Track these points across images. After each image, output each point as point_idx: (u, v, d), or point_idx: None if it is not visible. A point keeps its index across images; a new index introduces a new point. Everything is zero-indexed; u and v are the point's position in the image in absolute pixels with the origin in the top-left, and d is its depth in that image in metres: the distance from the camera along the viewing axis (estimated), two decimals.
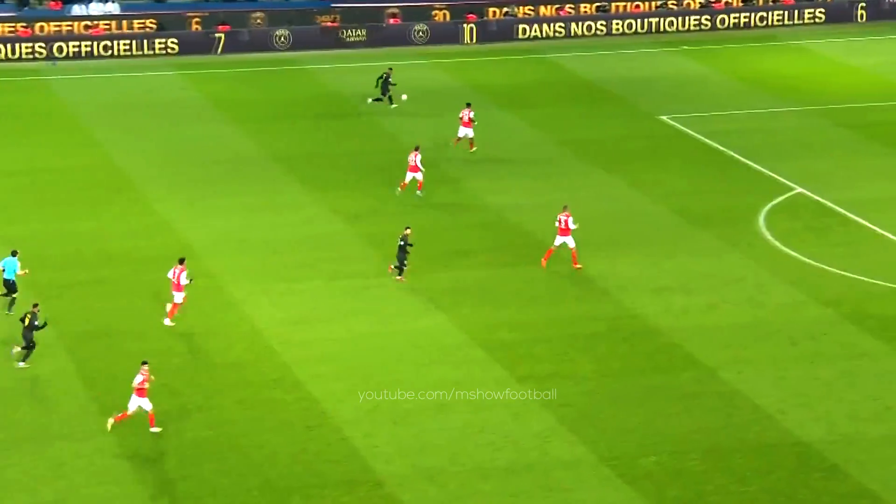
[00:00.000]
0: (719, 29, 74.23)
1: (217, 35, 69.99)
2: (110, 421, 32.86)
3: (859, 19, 75.55)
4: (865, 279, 41.75)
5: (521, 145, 55.86)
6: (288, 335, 38.54)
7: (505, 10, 74.87)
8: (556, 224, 42.58)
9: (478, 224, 47.07)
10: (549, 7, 74.75)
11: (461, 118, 54.12)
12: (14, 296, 38.83)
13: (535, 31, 73.40)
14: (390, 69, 60.87)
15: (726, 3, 75.72)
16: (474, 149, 54.13)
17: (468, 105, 54.78)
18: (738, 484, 31.20)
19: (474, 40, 72.97)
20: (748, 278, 42.07)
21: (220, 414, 34.11)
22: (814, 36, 72.81)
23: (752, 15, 74.69)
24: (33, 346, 35.99)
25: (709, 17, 74.46)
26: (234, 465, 32.06)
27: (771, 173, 51.82)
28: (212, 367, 36.64)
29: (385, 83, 59.91)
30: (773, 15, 74.75)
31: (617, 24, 73.88)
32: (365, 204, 48.96)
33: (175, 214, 47.79)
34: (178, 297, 38.41)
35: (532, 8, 74.69)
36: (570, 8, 74.81)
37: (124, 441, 32.90)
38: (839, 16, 75.51)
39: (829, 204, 48.37)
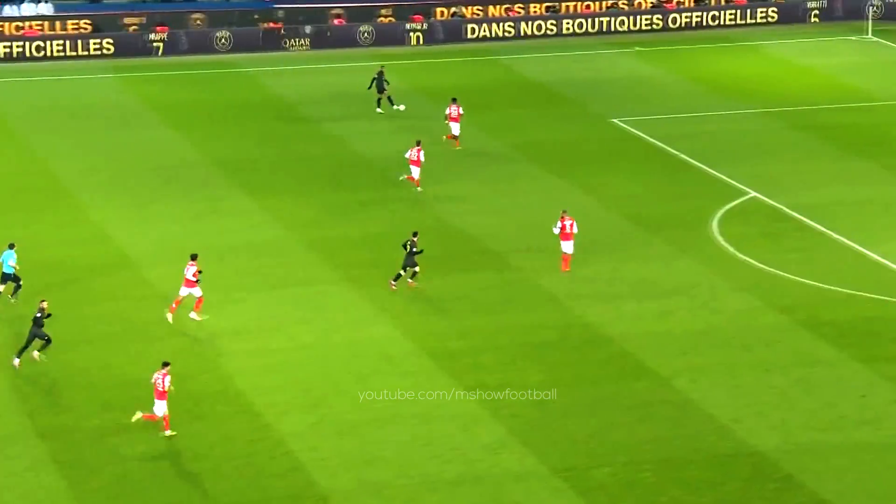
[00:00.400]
0: (671, 29, 74.73)
1: (155, 44, 69.62)
2: (138, 415, 33.28)
3: (812, 20, 76.26)
4: (820, 285, 42.13)
5: (470, 149, 55.92)
6: (230, 345, 38.40)
7: (453, 10, 75.02)
8: (557, 230, 42.77)
9: (426, 229, 47.06)
10: (497, 7, 74.97)
11: (448, 114, 54.93)
12: (15, 284, 40.39)
13: (484, 31, 73.60)
14: (383, 67, 60.79)
15: (678, 2, 76.20)
16: (458, 147, 54.61)
17: (454, 100, 55.39)
18: (692, 495, 31.38)
19: (421, 42, 73.09)
20: (701, 285, 42.35)
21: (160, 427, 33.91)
22: (767, 36, 73.41)
23: (704, 15, 75.22)
24: (43, 339, 36.46)
25: (660, 17, 74.93)
26: (175, 479, 31.89)
27: (724, 177, 52.18)
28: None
29: (380, 82, 59.61)
30: (725, 15, 75.32)
31: (567, 23, 74.22)
32: (310, 210, 48.89)
33: (113, 222, 47.50)
34: (196, 291, 39.15)
35: (481, 8, 74.88)
36: (519, 8, 75.05)
37: (59, 457, 32.65)
38: (792, 16, 76.19)
39: (784, 208, 48.77)
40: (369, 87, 59.78)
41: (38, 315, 36.62)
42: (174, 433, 33.41)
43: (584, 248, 45.08)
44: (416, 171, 49.91)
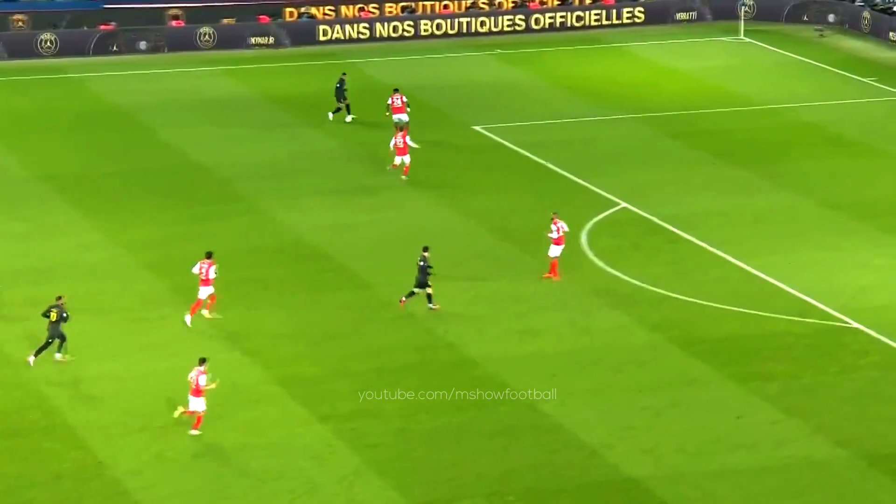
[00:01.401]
0: (535, 30, 75.58)
1: None
2: (179, 410, 34.97)
3: (682, 20, 77.65)
4: (694, 300, 42.91)
5: (320, 160, 55.95)
6: (59, 376, 37.85)
7: (302, 10, 74.99)
8: (554, 234, 43.69)
9: (274, 248, 46.99)
10: (350, 7, 75.11)
11: (391, 104, 56.05)
12: None
13: (337, 33, 73.68)
14: (345, 74, 60.10)
15: (541, 2, 77.07)
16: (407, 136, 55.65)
17: (396, 90, 56.58)
18: None
19: (268, 44, 72.90)
20: (570, 302, 42.87)
21: None
22: (636, 38, 74.58)
23: (569, 15, 76.22)
24: (64, 338, 38.10)
25: (523, 18, 75.75)
26: None
27: (594, 187, 52.90)
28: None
29: (340, 90, 59.00)
30: (590, 15, 76.40)
31: (425, 25, 74.64)
32: (147, 227, 48.45)
33: None
34: (205, 291, 40.75)
35: (332, 8, 74.95)
36: (373, 8, 75.27)
37: None
38: (661, 16, 77.53)
39: (656, 220, 49.59)
40: (336, 96, 58.91)
41: (60, 314, 37.83)
42: (200, 433, 34.56)
43: (445, 264, 45.35)
44: (405, 159, 52.06)
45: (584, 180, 53.53)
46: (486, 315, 41.87)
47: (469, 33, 74.85)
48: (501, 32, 75.15)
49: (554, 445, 34.69)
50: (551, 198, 51.90)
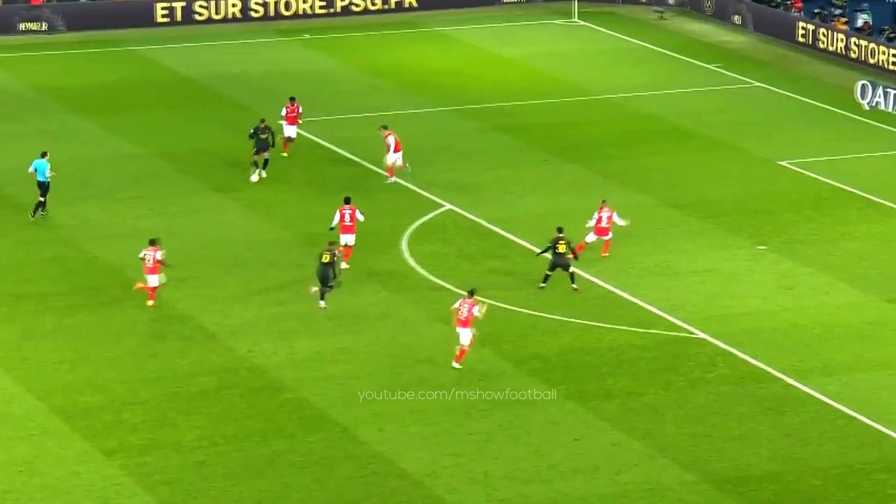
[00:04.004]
0: (346, 12, 75.66)
1: None
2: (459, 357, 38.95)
3: (508, 1, 78.38)
4: (527, 311, 43.43)
5: (104, 160, 55.42)
6: None
7: None
8: (593, 223, 46.33)
9: (51, 259, 46.44)
10: None
11: (284, 114, 55.09)
12: (42, 200, 48.18)
13: (120, 16, 72.92)
14: (263, 120, 53.89)
15: None
16: (286, 153, 54.99)
17: (292, 99, 55.47)
18: None
19: (42, 28, 71.92)
20: (389, 315, 43.08)
21: None
22: (457, 21, 75.21)
23: None
24: (339, 284, 42.54)
25: None
26: None
27: (414, 187, 53.22)
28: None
29: (260, 140, 53.18)
30: None
31: (221, 6, 74.26)
32: None
33: None
34: (348, 238, 45.30)
35: None
36: None
37: None
38: None
39: (483, 223, 50.09)
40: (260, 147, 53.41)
41: (335, 256, 42.43)
42: (461, 367, 38.89)
43: (249, 275, 45.20)
44: (398, 157, 52.97)
45: (404, 179, 53.80)
46: (293, 331, 41.86)
47: (273, 17, 74.65)
48: (309, 16, 75.12)
49: (373, 477, 34.83)
50: (369, 200, 52.06)
